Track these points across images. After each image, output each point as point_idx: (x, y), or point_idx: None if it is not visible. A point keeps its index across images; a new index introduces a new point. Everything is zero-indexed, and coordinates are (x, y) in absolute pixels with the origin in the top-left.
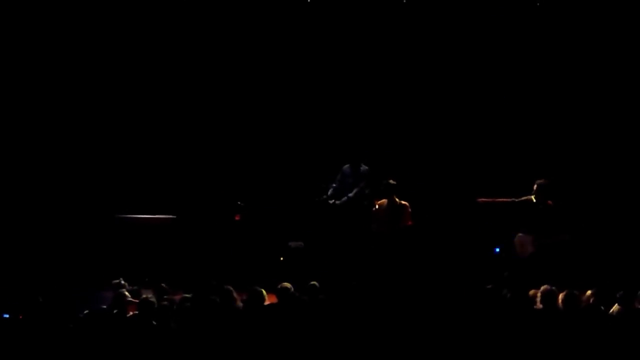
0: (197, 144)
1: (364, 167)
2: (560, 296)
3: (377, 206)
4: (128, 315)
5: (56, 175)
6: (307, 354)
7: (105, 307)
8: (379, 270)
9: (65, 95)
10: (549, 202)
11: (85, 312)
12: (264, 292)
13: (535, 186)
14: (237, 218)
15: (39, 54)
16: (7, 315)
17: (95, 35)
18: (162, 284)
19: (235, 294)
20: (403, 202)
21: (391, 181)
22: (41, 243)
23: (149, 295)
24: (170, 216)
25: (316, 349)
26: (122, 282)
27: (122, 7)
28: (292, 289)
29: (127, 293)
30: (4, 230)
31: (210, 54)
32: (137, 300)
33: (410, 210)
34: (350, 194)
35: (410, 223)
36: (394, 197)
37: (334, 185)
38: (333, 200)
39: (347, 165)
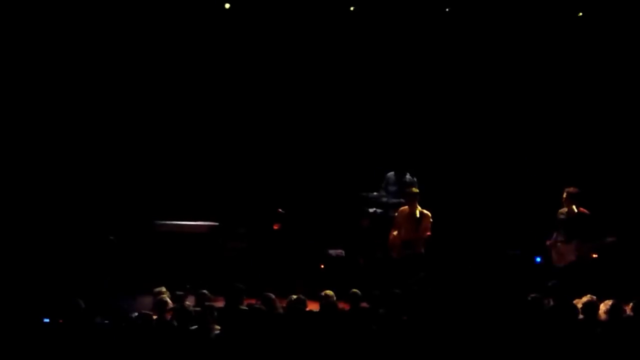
0: (238, 150)
1: (409, 177)
2: (602, 307)
3: (398, 213)
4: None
5: (98, 182)
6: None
7: (146, 312)
8: (419, 279)
9: (104, 104)
10: (582, 209)
11: (126, 316)
12: (304, 299)
13: (565, 194)
14: (275, 227)
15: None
16: (47, 320)
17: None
18: (204, 291)
19: (276, 302)
20: (425, 212)
21: (414, 189)
22: (83, 249)
23: (188, 302)
24: (212, 223)
25: (356, 357)
26: (164, 289)
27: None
28: (334, 297)
29: (167, 299)
30: (48, 236)
31: (244, 63)
32: (175, 306)
33: (431, 220)
34: (392, 201)
35: (429, 234)
36: (416, 205)
37: (379, 193)
38: (374, 209)
39: (391, 173)
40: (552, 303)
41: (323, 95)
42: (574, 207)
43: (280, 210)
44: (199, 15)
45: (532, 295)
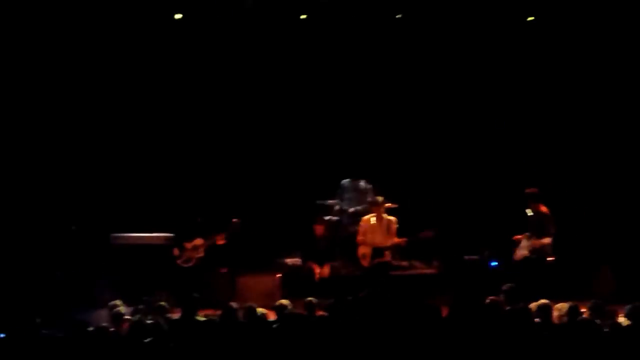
0: (192, 160)
1: (364, 184)
2: (556, 310)
3: (363, 222)
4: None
5: (52, 198)
6: None
7: (103, 325)
8: (376, 285)
9: (58, 112)
10: (543, 207)
11: (82, 330)
12: (262, 309)
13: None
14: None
15: (35, 64)
16: (3, 335)
17: (98, 46)
18: (162, 302)
19: (237, 311)
20: (391, 218)
21: (379, 198)
22: (37, 263)
23: (145, 315)
24: (169, 234)
25: None
26: (119, 302)
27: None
28: (290, 306)
29: (123, 312)
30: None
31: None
32: (131, 319)
33: (397, 225)
34: (349, 209)
35: (397, 240)
36: (382, 212)
37: (335, 200)
38: (329, 217)
39: (346, 180)
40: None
41: (276, 104)
42: (534, 206)
43: (235, 220)
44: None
45: (490, 298)
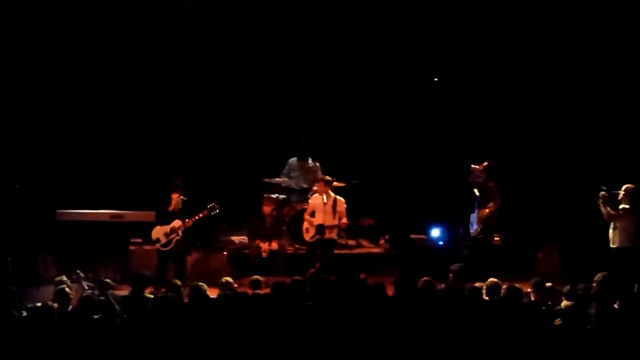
0: (138, 135)
1: (312, 162)
2: (503, 289)
3: (312, 200)
4: (69, 310)
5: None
6: (251, 346)
7: (47, 302)
8: (325, 263)
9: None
10: (490, 182)
11: (28, 306)
12: (204, 286)
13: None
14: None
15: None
16: None
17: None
18: (107, 279)
19: (181, 289)
20: (339, 198)
21: (327, 177)
22: None
23: (91, 291)
24: (113, 211)
25: (258, 342)
26: (64, 278)
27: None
28: (234, 284)
29: (68, 289)
30: None
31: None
32: (78, 295)
33: (345, 206)
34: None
35: (345, 221)
36: (330, 192)
37: (282, 178)
38: (276, 195)
39: (293, 159)
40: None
41: (224, 82)
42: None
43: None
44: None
45: (425, 279)
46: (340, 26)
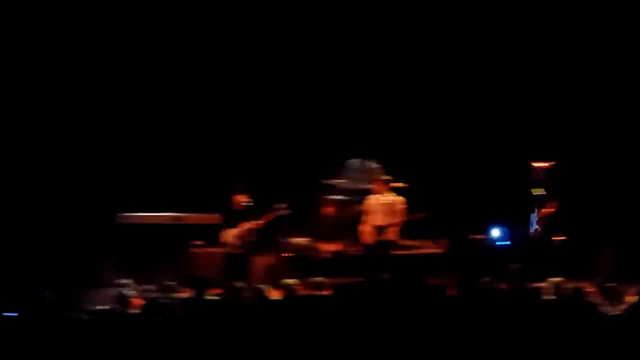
0: (201, 139)
1: (372, 163)
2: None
3: (369, 201)
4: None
5: (59, 175)
6: (312, 349)
7: (109, 306)
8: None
9: (69, 93)
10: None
11: (90, 310)
12: (266, 288)
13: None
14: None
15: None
16: (11, 314)
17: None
18: (169, 282)
19: (243, 291)
20: (398, 197)
21: (385, 177)
22: (45, 242)
23: (155, 294)
24: (174, 214)
25: (320, 343)
26: (126, 281)
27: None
28: (297, 285)
29: (130, 292)
30: (6, 229)
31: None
32: (141, 299)
33: (403, 206)
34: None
35: (404, 219)
36: (389, 192)
37: (342, 179)
38: (338, 197)
39: (354, 160)
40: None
41: (285, 85)
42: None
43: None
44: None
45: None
46: (399, 24)
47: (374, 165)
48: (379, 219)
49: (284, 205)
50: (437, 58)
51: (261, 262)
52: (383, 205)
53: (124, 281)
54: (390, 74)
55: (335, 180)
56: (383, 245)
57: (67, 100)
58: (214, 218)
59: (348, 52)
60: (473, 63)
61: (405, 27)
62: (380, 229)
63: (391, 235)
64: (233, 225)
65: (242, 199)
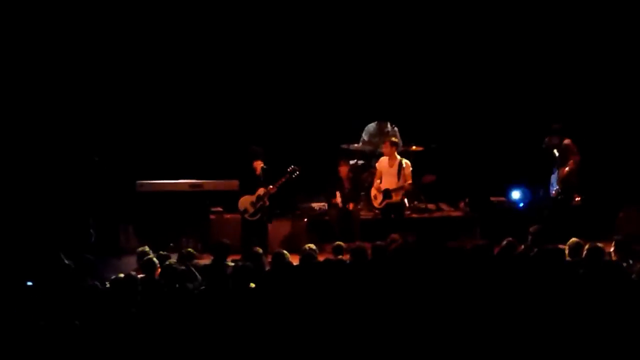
0: (216, 105)
1: (390, 127)
2: (585, 249)
3: (378, 163)
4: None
5: (77, 144)
6: (334, 313)
7: (132, 272)
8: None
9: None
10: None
11: (113, 277)
12: (287, 253)
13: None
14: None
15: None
16: (30, 283)
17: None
18: (189, 249)
19: (263, 257)
20: (404, 160)
21: (394, 138)
22: (63, 211)
23: (174, 261)
24: (192, 180)
25: (341, 308)
26: (147, 248)
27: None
28: (316, 250)
29: (154, 259)
30: (26, 198)
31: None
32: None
33: (411, 168)
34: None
35: (410, 182)
36: (395, 154)
37: (359, 144)
38: (355, 161)
39: (372, 124)
40: (532, 248)
41: (302, 51)
42: (559, 139)
43: (293, 167)
44: None
45: (507, 240)
46: None
47: (391, 128)
48: (387, 182)
49: (294, 168)
50: (460, 20)
51: (278, 227)
52: (391, 167)
53: (146, 248)
54: (411, 37)
55: (354, 145)
56: (393, 208)
57: (87, 70)
58: (232, 184)
59: (368, 17)
60: (493, 25)
61: None
62: (388, 192)
63: (398, 197)
64: (250, 191)
65: (259, 165)
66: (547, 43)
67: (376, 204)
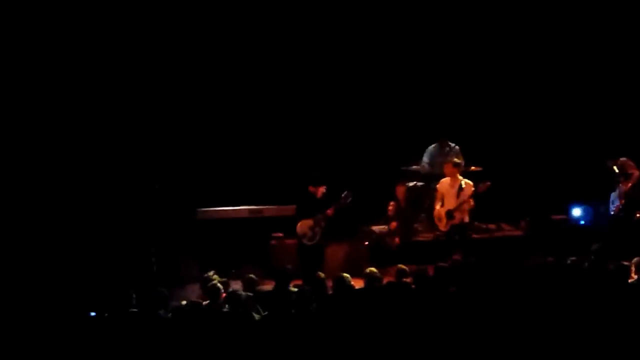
0: (274, 131)
1: (452, 146)
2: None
3: (440, 185)
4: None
5: (138, 174)
6: (397, 334)
7: (196, 300)
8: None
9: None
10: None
11: (174, 306)
12: (349, 277)
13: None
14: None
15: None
16: (94, 314)
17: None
18: (251, 275)
19: (325, 282)
20: (467, 181)
21: (456, 159)
22: (128, 241)
23: (237, 288)
24: (252, 207)
25: (405, 331)
26: (213, 275)
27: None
28: (378, 273)
29: (220, 285)
30: (91, 229)
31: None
32: (225, 293)
33: (473, 189)
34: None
35: (472, 203)
36: (457, 175)
37: (419, 165)
38: (414, 183)
39: (434, 145)
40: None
41: (362, 71)
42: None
43: (347, 192)
44: None
45: (572, 259)
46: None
47: (452, 147)
48: (449, 203)
49: (348, 193)
50: (523, 39)
51: (337, 251)
52: (453, 188)
53: (210, 274)
54: (470, 58)
55: (413, 166)
56: (459, 230)
57: (144, 102)
58: (291, 210)
59: (425, 38)
60: (554, 46)
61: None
62: (450, 213)
63: (462, 216)
64: (308, 216)
65: (317, 189)
66: (609, 62)
67: (441, 226)
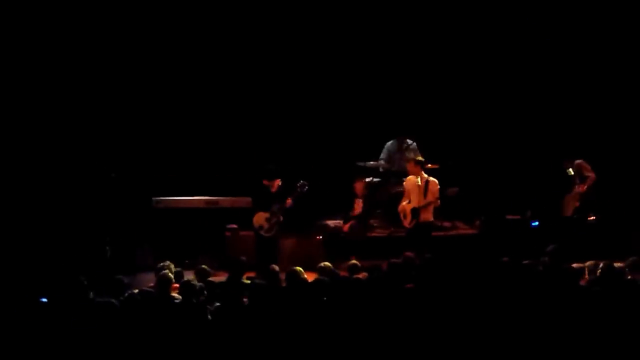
0: (232, 121)
1: (409, 142)
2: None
3: (406, 182)
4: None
5: (92, 161)
6: (348, 330)
7: (148, 288)
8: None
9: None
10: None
11: (130, 292)
12: (302, 271)
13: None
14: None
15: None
16: (45, 300)
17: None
18: (204, 266)
19: (279, 274)
20: (431, 179)
21: (419, 157)
22: (80, 227)
23: (190, 278)
24: (208, 197)
25: (356, 325)
26: (168, 263)
27: None
28: (332, 268)
29: (171, 275)
30: (43, 216)
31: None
32: (178, 283)
33: (438, 186)
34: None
35: (437, 201)
36: (422, 173)
37: (380, 162)
38: (371, 178)
39: (391, 141)
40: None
41: (320, 67)
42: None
43: (302, 182)
44: None
45: (526, 261)
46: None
47: (410, 146)
48: (414, 200)
49: (303, 182)
50: (481, 36)
51: (292, 244)
52: (420, 186)
53: (164, 264)
54: (426, 54)
55: (370, 163)
56: (422, 228)
57: (105, 87)
58: (247, 201)
59: (384, 31)
60: (514, 43)
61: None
62: (416, 210)
63: (427, 215)
64: (264, 208)
65: (272, 183)
66: (571, 63)
67: (406, 223)
